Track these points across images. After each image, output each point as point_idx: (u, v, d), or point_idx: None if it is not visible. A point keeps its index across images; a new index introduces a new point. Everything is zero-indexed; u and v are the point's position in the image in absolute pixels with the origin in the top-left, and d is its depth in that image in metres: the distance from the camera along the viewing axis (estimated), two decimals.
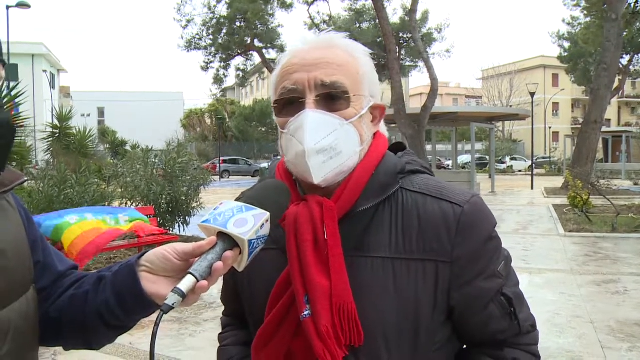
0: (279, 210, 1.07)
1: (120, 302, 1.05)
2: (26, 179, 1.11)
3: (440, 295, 1.09)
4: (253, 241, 0.99)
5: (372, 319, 1.07)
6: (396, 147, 1.26)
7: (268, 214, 1.01)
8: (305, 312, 1.06)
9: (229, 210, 1.00)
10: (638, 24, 30.14)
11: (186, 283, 0.94)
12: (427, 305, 1.08)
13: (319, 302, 1.04)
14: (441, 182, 1.17)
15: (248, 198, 1.05)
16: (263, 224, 1.00)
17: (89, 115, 47.55)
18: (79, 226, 7.20)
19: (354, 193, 1.09)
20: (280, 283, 1.12)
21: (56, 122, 13.65)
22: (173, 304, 0.93)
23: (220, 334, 1.39)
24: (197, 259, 0.98)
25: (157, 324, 0.91)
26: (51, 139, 13.31)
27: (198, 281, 0.95)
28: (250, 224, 0.98)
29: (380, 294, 1.07)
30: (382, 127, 1.23)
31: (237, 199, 1.05)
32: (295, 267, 1.07)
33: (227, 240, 0.98)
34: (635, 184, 22.28)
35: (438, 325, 1.11)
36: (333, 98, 1.10)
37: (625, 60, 34.77)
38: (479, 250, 1.10)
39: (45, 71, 43.59)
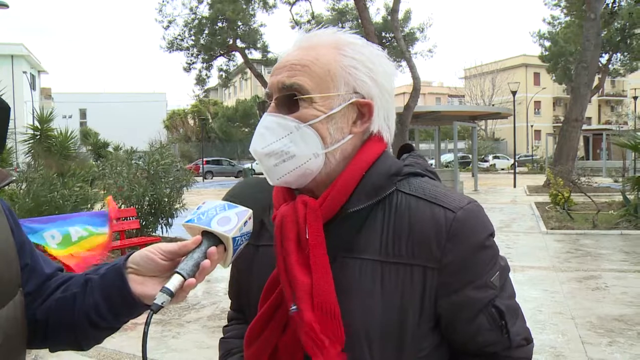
0: (261, 207, 1.09)
1: (108, 304, 1.06)
2: (14, 177, 1.09)
3: (427, 302, 1.07)
4: (237, 238, 1.01)
5: (357, 321, 1.06)
6: (405, 149, 1.24)
7: (250, 211, 1.03)
8: (293, 307, 1.05)
9: (212, 209, 1.03)
10: (616, 23, 30.57)
11: (174, 282, 0.97)
12: (413, 311, 1.06)
13: (302, 300, 1.04)
14: (439, 186, 1.14)
15: (230, 196, 1.07)
16: (246, 221, 1.02)
17: (70, 116, 47.04)
18: (62, 250, 7.11)
19: (342, 194, 1.08)
20: (271, 279, 1.12)
21: (37, 124, 13.49)
22: (162, 303, 0.95)
23: (224, 326, 1.40)
24: (183, 258, 1.01)
25: (147, 324, 0.93)
26: (32, 141, 13.16)
27: (185, 279, 0.97)
28: (233, 221, 1.01)
29: (366, 296, 1.06)
30: (385, 125, 1.16)
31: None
32: (281, 264, 1.08)
33: (212, 239, 1.00)
34: (616, 181, 22.57)
35: (425, 331, 1.09)
36: (290, 100, 1.09)
37: (604, 59, 35.23)
38: (469, 259, 1.07)
39: (25, 72, 43.05)
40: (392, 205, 1.10)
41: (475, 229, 1.09)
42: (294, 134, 1.08)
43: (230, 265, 1.12)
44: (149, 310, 0.96)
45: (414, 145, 1.27)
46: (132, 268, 1.05)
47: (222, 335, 1.38)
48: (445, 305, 1.08)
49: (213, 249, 0.99)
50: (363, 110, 1.13)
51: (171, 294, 0.96)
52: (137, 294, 1.04)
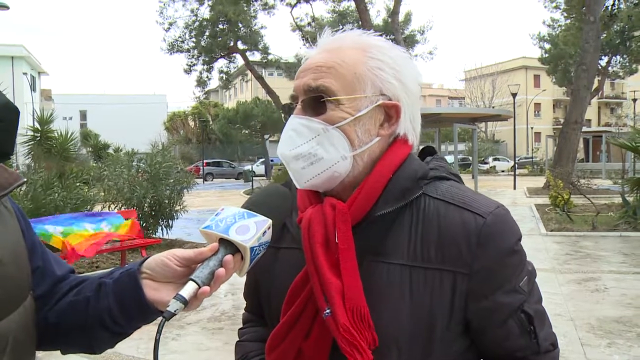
0: (281, 216, 1.08)
1: (122, 309, 1.05)
2: (25, 180, 1.08)
3: (456, 307, 1.06)
4: (255, 248, 0.99)
5: (386, 325, 1.05)
6: (427, 151, 1.23)
7: (270, 221, 1.02)
8: (327, 311, 1.03)
9: (231, 217, 1.01)
10: (615, 26, 30.62)
11: (188, 289, 0.95)
12: (442, 315, 1.05)
13: (335, 302, 1.03)
14: (466, 190, 1.13)
15: (250, 204, 1.05)
16: (265, 231, 1.01)
17: (70, 118, 47.08)
18: (67, 238, 7.27)
19: (369, 197, 1.07)
20: (297, 281, 1.10)
21: (37, 125, 13.47)
22: (175, 311, 0.94)
23: (240, 329, 1.39)
24: (199, 265, 1.00)
25: (159, 331, 0.93)
26: (32, 142, 13.14)
27: (200, 287, 0.96)
28: (252, 231, 0.99)
29: (395, 301, 1.05)
30: (410, 128, 1.15)
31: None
32: (312, 266, 1.06)
33: (229, 247, 0.99)
34: (615, 183, 22.57)
35: (455, 335, 1.08)
36: (316, 102, 1.08)
37: (604, 61, 35.28)
38: (499, 264, 1.06)
39: (25, 74, 43.00)
40: (419, 209, 1.09)
41: (505, 233, 1.08)
42: (321, 136, 1.07)
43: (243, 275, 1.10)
44: (161, 318, 0.95)
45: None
46: (147, 273, 1.05)
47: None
48: (475, 310, 1.07)
49: (229, 257, 0.98)
50: (390, 112, 1.12)
51: (185, 302, 0.94)
52: (151, 299, 1.03)
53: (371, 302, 1.04)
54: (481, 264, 1.05)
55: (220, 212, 1.02)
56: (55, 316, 1.09)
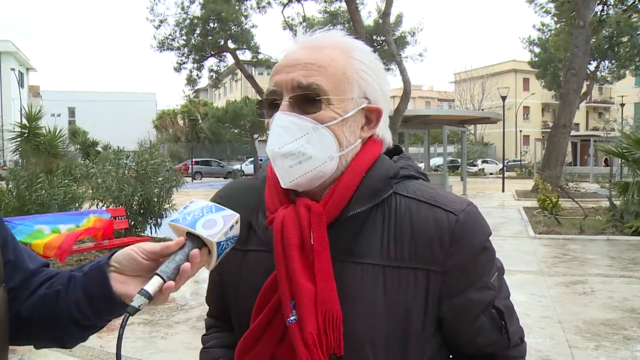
0: (249, 211, 1.06)
1: (90, 302, 1.04)
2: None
3: (430, 305, 1.06)
4: (222, 243, 0.98)
5: (360, 326, 1.04)
6: (393, 151, 1.22)
7: (238, 215, 1.00)
8: (292, 317, 1.02)
9: (199, 210, 0.99)
10: (604, 31, 30.88)
11: (153, 284, 0.94)
12: (417, 314, 1.05)
13: (304, 308, 1.01)
14: (436, 188, 1.13)
15: (219, 198, 1.04)
16: (232, 226, 0.99)
17: (59, 115, 46.61)
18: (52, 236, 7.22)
19: (343, 197, 1.06)
20: (267, 286, 1.08)
21: (25, 121, 13.36)
22: (139, 306, 0.92)
23: (203, 335, 1.35)
24: (165, 259, 0.98)
25: (122, 326, 0.90)
26: (20, 139, 13.04)
27: (165, 282, 0.94)
28: (219, 225, 0.98)
29: (369, 301, 1.04)
30: (384, 130, 1.16)
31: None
32: (282, 271, 1.04)
33: (196, 241, 0.97)
34: (603, 187, 22.75)
35: (428, 334, 1.08)
36: (308, 100, 1.05)
37: (592, 66, 35.58)
38: (471, 261, 1.07)
39: (13, 69, 42.68)
40: (391, 209, 1.08)
41: (477, 231, 1.09)
42: (310, 134, 1.05)
43: (211, 270, 1.07)
44: (125, 313, 0.93)
45: (403, 148, 1.25)
46: (115, 267, 1.03)
47: (204, 344, 1.33)
48: (448, 307, 1.07)
49: (196, 252, 0.96)
50: (371, 117, 1.13)
51: (149, 297, 0.92)
52: (118, 293, 1.01)
53: (345, 304, 1.03)
54: (454, 261, 1.05)
55: (188, 205, 1.01)
56: (28, 310, 1.08)
